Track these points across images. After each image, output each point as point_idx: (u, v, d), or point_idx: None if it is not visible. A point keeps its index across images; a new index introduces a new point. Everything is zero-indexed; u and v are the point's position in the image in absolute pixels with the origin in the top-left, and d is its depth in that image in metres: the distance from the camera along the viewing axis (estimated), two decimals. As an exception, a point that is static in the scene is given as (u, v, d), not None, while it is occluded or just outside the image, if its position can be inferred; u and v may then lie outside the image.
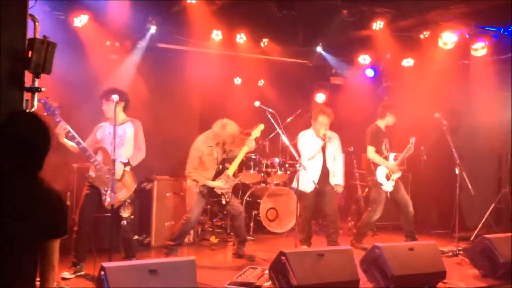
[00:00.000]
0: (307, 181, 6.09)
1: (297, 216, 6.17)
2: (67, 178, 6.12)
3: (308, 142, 6.37)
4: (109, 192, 4.82)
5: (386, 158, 6.69)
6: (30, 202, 2.37)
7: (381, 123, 6.81)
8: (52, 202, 2.45)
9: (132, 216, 5.20)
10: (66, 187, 6.10)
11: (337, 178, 6.45)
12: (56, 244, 2.49)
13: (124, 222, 5.06)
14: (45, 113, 4.67)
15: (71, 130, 4.82)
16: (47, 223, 2.42)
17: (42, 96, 4.75)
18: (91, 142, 5.21)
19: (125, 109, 5.34)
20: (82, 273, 5.11)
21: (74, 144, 4.92)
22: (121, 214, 5.05)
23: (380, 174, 6.62)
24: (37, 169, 2.45)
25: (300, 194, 6.21)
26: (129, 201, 5.16)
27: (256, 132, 6.08)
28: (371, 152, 6.65)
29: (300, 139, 6.45)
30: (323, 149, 6.34)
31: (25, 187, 2.38)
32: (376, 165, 6.66)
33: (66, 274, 4.99)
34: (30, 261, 2.42)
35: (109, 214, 4.92)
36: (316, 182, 6.11)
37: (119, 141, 5.16)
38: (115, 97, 4.86)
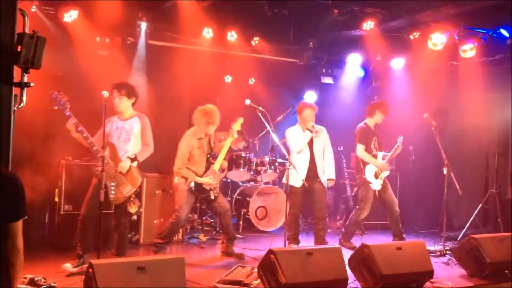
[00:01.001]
0: (296, 176, 6.11)
1: (286, 214, 6.17)
2: (55, 175, 6.07)
3: (296, 137, 6.43)
4: (112, 187, 4.97)
5: (375, 156, 6.73)
6: None
7: (371, 122, 6.86)
8: (7, 185, 2.39)
9: (141, 209, 5.27)
10: (54, 183, 6.07)
11: (328, 172, 6.47)
12: (17, 227, 2.42)
13: (135, 217, 5.15)
14: (56, 107, 4.73)
15: (80, 124, 4.89)
16: (4, 206, 2.36)
17: (53, 90, 4.84)
18: (100, 136, 5.14)
19: (133, 105, 5.38)
20: (86, 265, 5.01)
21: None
22: (128, 210, 5.11)
23: (369, 173, 6.66)
24: None
25: (290, 190, 6.23)
26: (134, 196, 5.17)
27: (236, 125, 6.08)
28: (360, 150, 6.69)
29: (287, 134, 6.53)
30: (310, 144, 6.38)
31: None
32: (365, 163, 6.70)
33: (68, 266, 4.95)
34: None
35: (112, 211, 5.09)
36: (303, 179, 6.11)
37: (126, 136, 5.23)
38: (104, 93, 4.80)
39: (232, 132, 6.03)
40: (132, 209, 5.12)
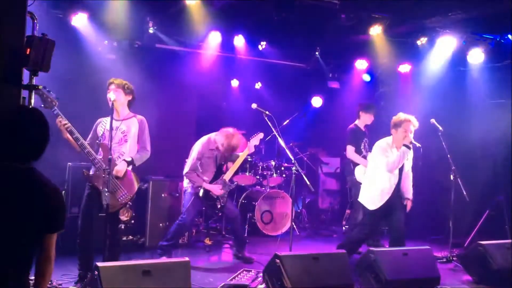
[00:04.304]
0: (375, 196, 5.56)
1: (291, 219, 6.14)
2: (62, 177, 6.10)
3: (387, 154, 5.56)
4: (106, 192, 4.51)
5: (365, 157, 6.71)
6: (27, 194, 2.34)
7: (360, 123, 6.91)
8: (48, 195, 2.41)
9: (133, 221, 4.92)
10: (60, 185, 6.09)
11: (407, 192, 5.80)
12: (53, 239, 2.46)
13: (122, 226, 4.80)
14: (42, 105, 4.27)
15: (70, 125, 4.50)
16: (44, 216, 2.38)
17: (41, 87, 4.49)
18: (92, 139, 4.93)
19: (129, 105, 5.07)
20: None
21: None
22: (120, 217, 4.70)
23: (359, 174, 6.64)
24: (33, 159, 2.43)
25: (366, 210, 5.72)
26: (130, 203, 4.79)
27: (255, 140, 6.17)
28: (350, 151, 6.72)
29: (377, 148, 5.65)
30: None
31: (21, 179, 2.35)
32: (355, 165, 6.71)
33: None
34: (27, 255, 2.39)
35: (104, 214, 4.51)
36: (383, 198, 5.52)
37: (122, 137, 4.86)
38: (111, 96, 4.67)
39: (249, 145, 6.08)
40: (124, 217, 4.78)
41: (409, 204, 5.76)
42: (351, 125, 6.93)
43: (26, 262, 2.40)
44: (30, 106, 3.27)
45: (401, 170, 5.62)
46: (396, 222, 5.61)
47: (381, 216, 5.67)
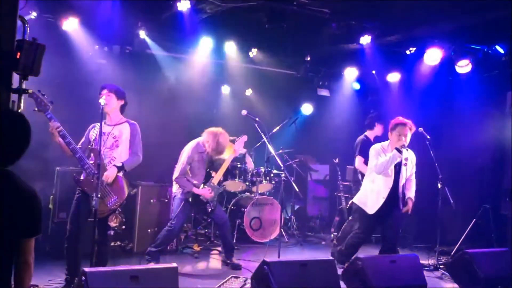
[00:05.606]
0: (372, 200, 5.62)
1: (280, 226, 6.15)
2: (50, 181, 6.06)
3: (379, 155, 5.60)
4: (95, 197, 4.40)
5: None
6: (2, 198, 2.29)
7: (371, 134, 6.91)
8: (25, 198, 2.37)
9: (124, 227, 4.89)
10: (48, 190, 6.06)
11: (408, 192, 5.77)
12: (31, 243, 2.40)
13: (111, 232, 4.71)
14: (36, 109, 4.28)
15: (62, 128, 4.46)
16: (20, 221, 2.32)
17: (35, 90, 4.32)
18: (84, 143, 4.89)
19: (122, 110, 5.01)
20: None
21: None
22: (109, 223, 4.68)
23: None
24: (10, 162, 2.39)
25: (362, 213, 5.75)
26: (120, 209, 4.75)
27: (239, 143, 6.24)
28: (359, 162, 6.72)
29: (371, 151, 5.76)
30: (397, 168, 5.61)
31: None
32: (363, 175, 6.71)
33: None
34: (4, 260, 2.34)
35: (92, 219, 4.42)
36: (379, 201, 5.56)
37: (114, 142, 4.83)
38: (101, 101, 4.64)
39: (234, 149, 6.13)
40: (113, 223, 4.68)
41: (409, 203, 5.71)
42: (361, 136, 6.94)
43: (4, 268, 2.34)
44: (19, 110, 3.25)
45: (397, 174, 5.61)
46: (390, 229, 5.70)
47: (376, 221, 5.73)
